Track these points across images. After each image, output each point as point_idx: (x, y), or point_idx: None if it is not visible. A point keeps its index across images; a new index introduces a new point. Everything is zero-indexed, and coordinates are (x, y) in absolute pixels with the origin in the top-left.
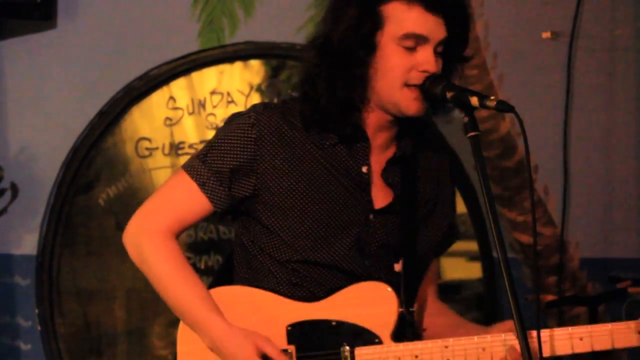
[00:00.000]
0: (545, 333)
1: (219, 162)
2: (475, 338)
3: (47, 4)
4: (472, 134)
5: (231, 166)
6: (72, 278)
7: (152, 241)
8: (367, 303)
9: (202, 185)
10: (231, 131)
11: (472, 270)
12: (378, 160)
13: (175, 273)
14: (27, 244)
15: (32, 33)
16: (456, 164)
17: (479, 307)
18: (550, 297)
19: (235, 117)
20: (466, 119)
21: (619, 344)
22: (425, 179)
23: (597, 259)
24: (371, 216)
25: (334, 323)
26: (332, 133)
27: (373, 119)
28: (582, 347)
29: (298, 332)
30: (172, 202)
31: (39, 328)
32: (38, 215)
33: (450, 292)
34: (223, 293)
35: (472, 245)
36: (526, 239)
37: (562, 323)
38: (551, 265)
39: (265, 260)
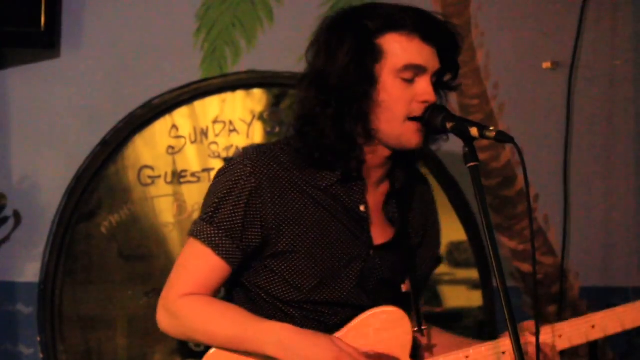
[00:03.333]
0: (562, 326)
1: (228, 219)
2: (497, 342)
3: (50, 33)
4: (472, 164)
5: (240, 221)
6: (74, 306)
7: (179, 303)
8: (383, 328)
9: (216, 249)
10: (231, 184)
11: (473, 299)
12: (375, 195)
13: (212, 313)
14: (30, 271)
15: (36, 62)
16: (457, 192)
17: (479, 335)
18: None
19: (228, 168)
20: (466, 149)
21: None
22: (416, 209)
23: (596, 287)
24: (371, 252)
25: None
26: (330, 171)
27: (371, 157)
28: (596, 334)
29: None
30: (190, 272)
31: (41, 356)
32: (41, 243)
33: (451, 320)
34: None
35: (473, 274)
36: (527, 267)
37: (562, 351)
38: (551, 294)
39: (271, 300)
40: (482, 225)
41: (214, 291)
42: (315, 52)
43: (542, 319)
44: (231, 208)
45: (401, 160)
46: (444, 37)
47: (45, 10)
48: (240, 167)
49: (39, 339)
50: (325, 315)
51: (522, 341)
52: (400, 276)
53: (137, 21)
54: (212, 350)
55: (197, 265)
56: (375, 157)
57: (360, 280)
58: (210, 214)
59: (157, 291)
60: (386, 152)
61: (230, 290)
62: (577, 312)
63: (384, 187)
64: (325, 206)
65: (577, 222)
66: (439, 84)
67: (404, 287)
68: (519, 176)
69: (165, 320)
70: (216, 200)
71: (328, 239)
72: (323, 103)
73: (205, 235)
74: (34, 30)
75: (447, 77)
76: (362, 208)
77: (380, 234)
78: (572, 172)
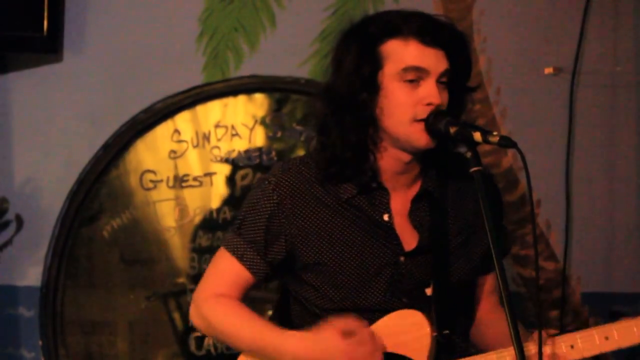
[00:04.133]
0: (574, 336)
1: (252, 232)
2: (510, 349)
3: (53, 38)
4: (475, 169)
5: (263, 234)
6: (75, 310)
7: (208, 305)
8: (401, 331)
9: (240, 258)
10: (256, 199)
11: None
12: (402, 202)
13: (236, 319)
14: (32, 275)
15: (39, 66)
16: None
17: None
18: (552, 331)
19: (257, 184)
20: (469, 154)
21: None
22: (457, 211)
23: (598, 293)
24: (402, 258)
25: None
26: (350, 183)
27: (388, 163)
28: (609, 346)
29: None
30: (218, 274)
31: None
32: (42, 246)
33: None
34: None
35: None
36: (528, 273)
37: None
38: (553, 299)
39: (311, 308)
40: (486, 230)
41: (241, 296)
42: (329, 63)
43: (543, 325)
44: (254, 223)
45: (430, 162)
46: (447, 38)
47: (47, 15)
48: (265, 183)
49: (40, 342)
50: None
51: (531, 352)
52: (432, 271)
53: (140, 26)
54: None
55: (224, 270)
56: (392, 163)
57: (391, 286)
58: (238, 225)
59: (158, 295)
60: (404, 157)
61: (284, 292)
62: (579, 318)
63: (413, 191)
64: (349, 217)
65: (579, 228)
66: (453, 85)
67: (428, 291)
68: (521, 181)
69: (196, 320)
70: (243, 214)
71: (354, 250)
72: (331, 114)
73: (232, 246)
74: (36, 35)
75: (459, 77)
76: (385, 217)
77: (411, 239)
78: (574, 177)
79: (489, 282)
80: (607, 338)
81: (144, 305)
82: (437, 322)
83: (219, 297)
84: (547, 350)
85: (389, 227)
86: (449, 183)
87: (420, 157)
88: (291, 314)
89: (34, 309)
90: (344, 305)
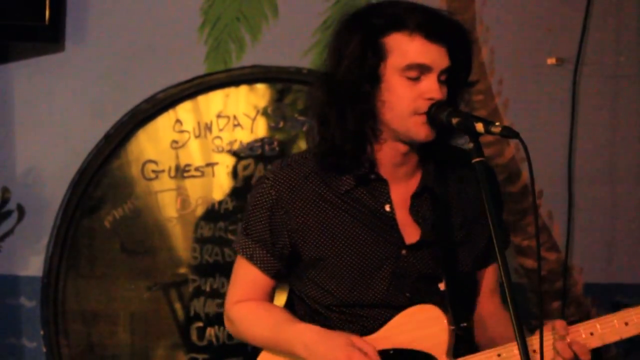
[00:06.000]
0: (593, 323)
1: (258, 231)
2: (529, 340)
3: (55, 27)
4: (478, 159)
5: (268, 231)
6: (77, 300)
7: (233, 311)
8: (418, 326)
9: (250, 258)
10: (256, 198)
11: None
12: (402, 194)
13: (255, 318)
14: (33, 265)
15: (40, 56)
16: None
17: None
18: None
19: (256, 182)
20: (471, 145)
21: None
22: (458, 204)
23: (601, 284)
24: (404, 251)
25: (391, 352)
26: (348, 175)
27: (387, 154)
28: (628, 332)
29: None
30: (237, 283)
31: (44, 350)
32: (44, 236)
33: None
34: None
35: None
36: (530, 263)
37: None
38: (555, 290)
39: (315, 306)
40: (488, 221)
41: (265, 295)
42: (328, 51)
43: (546, 316)
44: (258, 220)
45: (428, 155)
46: (451, 35)
47: (49, 4)
48: (264, 180)
49: (42, 332)
50: (364, 318)
51: (549, 340)
52: (441, 266)
53: (142, 16)
54: (262, 353)
55: (241, 275)
56: (391, 154)
57: (394, 280)
58: (245, 226)
59: (159, 286)
60: (402, 148)
61: (290, 293)
62: (581, 309)
63: (413, 184)
64: (349, 211)
65: (581, 218)
66: (452, 82)
67: (441, 286)
68: (523, 172)
69: (227, 325)
70: (247, 214)
71: (355, 244)
72: (330, 104)
73: (241, 247)
74: (38, 24)
75: (460, 74)
76: (387, 208)
77: (412, 232)
78: (576, 168)
79: (491, 279)
80: (626, 324)
81: (145, 296)
82: (454, 315)
83: (244, 302)
84: (567, 338)
85: (391, 218)
86: (449, 175)
87: (418, 148)
88: (296, 314)
89: (35, 299)
90: (346, 301)
